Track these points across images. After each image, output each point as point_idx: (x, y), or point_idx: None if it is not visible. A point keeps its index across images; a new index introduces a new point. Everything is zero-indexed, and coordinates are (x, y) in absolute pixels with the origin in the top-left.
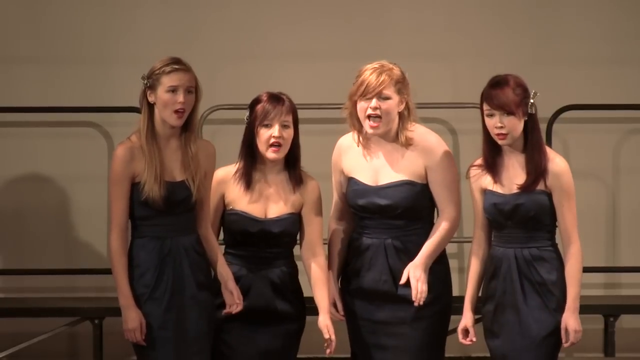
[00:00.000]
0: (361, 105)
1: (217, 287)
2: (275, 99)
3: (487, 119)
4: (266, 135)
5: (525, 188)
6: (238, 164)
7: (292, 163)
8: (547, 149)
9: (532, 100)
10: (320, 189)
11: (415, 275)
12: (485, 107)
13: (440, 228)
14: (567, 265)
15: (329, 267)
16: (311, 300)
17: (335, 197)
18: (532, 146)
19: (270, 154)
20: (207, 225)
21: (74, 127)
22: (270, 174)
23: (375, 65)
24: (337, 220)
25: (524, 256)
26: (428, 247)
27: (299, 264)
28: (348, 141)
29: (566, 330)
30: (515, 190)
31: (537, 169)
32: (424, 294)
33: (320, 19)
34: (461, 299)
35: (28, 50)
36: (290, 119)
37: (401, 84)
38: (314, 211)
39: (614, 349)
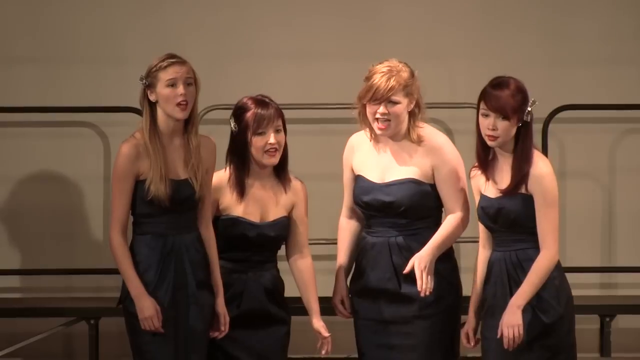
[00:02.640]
0: (370, 108)
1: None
2: (263, 104)
3: (481, 118)
4: (261, 143)
5: (507, 192)
6: (228, 170)
7: (280, 165)
8: (535, 152)
9: (529, 108)
10: (315, 189)
11: (420, 266)
12: (482, 106)
13: (448, 223)
14: (532, 267)
15: (338, 264)
16: (295, 300)
17: (345, 194)
18: (520, 153)
19: (267, 160)
20: (207, 224)
21: (71, 127)
22: (262, 179)
23: (384, 68)
24: (347, 219)
25: (512, 259)
26: (435, 239)
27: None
28: (359, 139)
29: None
30: (500, 194)
31: (518, 174)
32: (430, 285)
33: (316, 19)
34: (465, 299)
35: (25, 50)
36: (280, 122)
37: (410, 86)
38: (303, 212)
39: (609, 349)
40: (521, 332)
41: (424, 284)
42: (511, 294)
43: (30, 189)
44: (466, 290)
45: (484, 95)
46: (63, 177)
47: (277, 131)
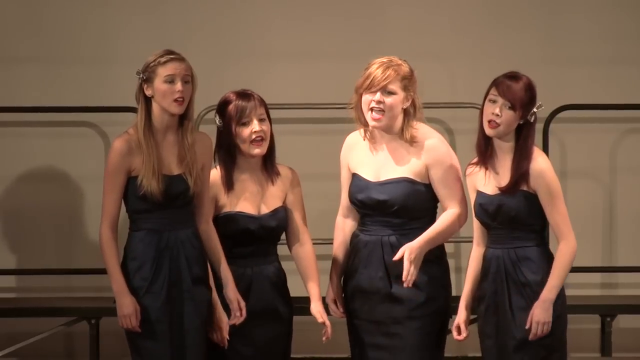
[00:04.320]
0: (366, 97)
1: (215, 282)
2: (244, 95)
3: (487, 104)
4: (246, 132)
5: (506, 190)
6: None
7: (268, 156)
8: (535, 149)
9: (535, 109)
10: (316, 189)
11: (409, 256)
12: (493, 91)
13: (444, 219)
14: (555, 259)
15: (333, 264)
16: (295, 300)
17: (342, 193)
18: (520, 151)
19: (254, 150)
20: (207, 219)
21: (72, 127)
22: (251, 172)
23: (384, 59)
24: (343, 218)
25: (510, 257)
26: (428, 233)
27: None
28: (355, 138)
29: (532, 318)
30: (499, 191)
31: (517, 171)
32: (414, 277)
33: (318, 19)
34: (459, 299)
35: (26, 50)
36: (264, 111)
37: (408, 81)
38: (297, 199)
39: (610, 349)
40: (549, 329)
41: (410, 275)
42: (508, 292)
43: (30, 189)
44: (461, 290)
45: (496, 83)
46: (63, 177)
47: (260, 120)
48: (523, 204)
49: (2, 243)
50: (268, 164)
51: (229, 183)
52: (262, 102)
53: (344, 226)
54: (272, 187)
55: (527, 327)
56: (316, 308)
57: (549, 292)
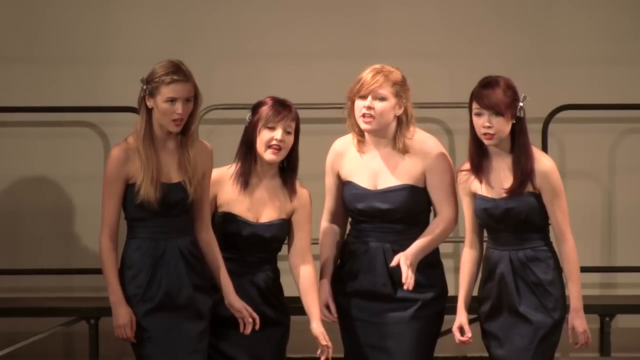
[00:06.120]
0: (357, 103)
1: (214, 287)
2: (282, 104)
3: (475, 118)
4: (268, 137)
5: (513, 191)
6: (235, 165)
7: (289, 171)
8: (534, 149)
9: (521, 104)
10: (315, 189)
11: (406, 262)
12: (475, 106)
13: (435, 226)
14: (564, 265)
15: (322, 268)
16: (295, 300)
17: (327, 199)
18: (519, 149)
19: (268, 155)
20: (208, 227)
21: (71, 127)
22: (265, 178)
23: (376, 66)
24: (329, 223)
25: (519, 258)
26: (421, 241)
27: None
28: (344, 145)
29: (574, 330)
30: (504, 194)
31: (523, 172)
32: (413, 280)
33: (316, 19)
34: (457, 299)
35: (24, 50)
36: (293, 125)
37: (399, 87)
38: (305, 218)
39: (609, 348)
40: (589, 333)
41: (409, 279)
42: (518, 292)
43: (30, 189)
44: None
45: (475, 96)
46: (63, 177)
47: (286, 132)
48: (531, 206)
49: (1, 243)
50: (288, 179)
51: (244, 181)
52: (296, 118)
53: (332, 232)
54: (282, 200)
55: (570, 341)
56: (319, 329)
57: (578, 301)
